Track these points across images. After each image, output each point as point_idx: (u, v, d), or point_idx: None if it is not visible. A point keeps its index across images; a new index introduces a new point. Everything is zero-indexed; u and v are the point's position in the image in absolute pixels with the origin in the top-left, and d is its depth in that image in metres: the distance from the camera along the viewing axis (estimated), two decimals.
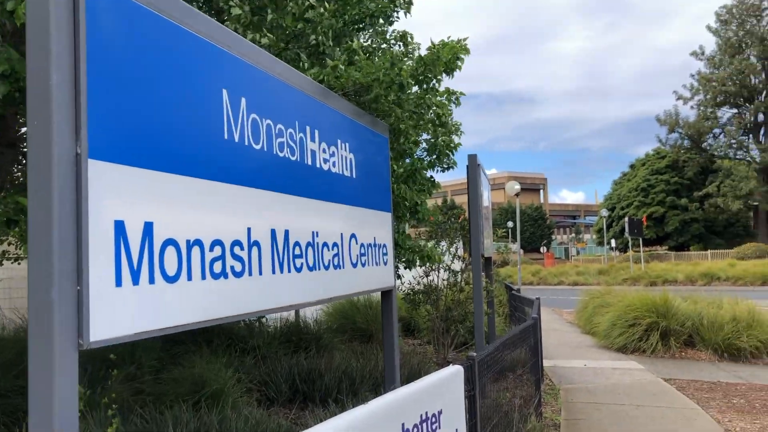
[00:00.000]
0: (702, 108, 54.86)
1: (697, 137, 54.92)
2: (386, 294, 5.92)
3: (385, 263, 5.71)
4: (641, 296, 12.81)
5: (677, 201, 54.78)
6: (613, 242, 57.34)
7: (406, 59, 7.43)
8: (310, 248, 4.11)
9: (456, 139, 10.49)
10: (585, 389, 9.03)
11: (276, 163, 3.66)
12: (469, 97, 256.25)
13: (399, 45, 8.74)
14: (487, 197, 10.32)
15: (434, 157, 8.31)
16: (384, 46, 8.72)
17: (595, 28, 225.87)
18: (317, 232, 4.24)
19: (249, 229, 3.24)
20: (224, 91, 3.12)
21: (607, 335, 12.76)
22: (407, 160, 7.69)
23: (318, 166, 4.36)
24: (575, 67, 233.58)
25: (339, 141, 4.74)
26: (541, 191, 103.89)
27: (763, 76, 52.57)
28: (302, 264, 4.00)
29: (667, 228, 54.93)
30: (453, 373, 3.89)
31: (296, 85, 4.04)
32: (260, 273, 3.32)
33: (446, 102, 8.47)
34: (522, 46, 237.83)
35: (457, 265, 10.92)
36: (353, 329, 10.74)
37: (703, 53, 55.67)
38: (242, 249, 3.15)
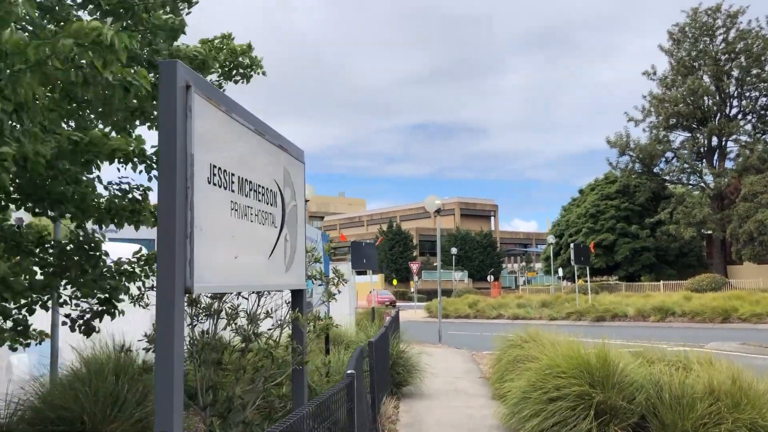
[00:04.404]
0: (654, 130, 51.67)
1: (649, 161, 51.63)
2: None
3: None
4: (569, 350, 8.39)
5: (627, 228, 51.31)
6: (560, 271, 53.67)
7: None
8: None
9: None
10: None
11: None
12: (419, 126, 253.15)
13: None
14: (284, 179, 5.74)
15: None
16: None
17: (538, 62, 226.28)
18: None
19: None
20: None
21: (517, 411, 8.27)
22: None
23: None
24: (521, 100, 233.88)
25: None
26: (492, 218, 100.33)
27: (717, 97, 49.77)
28: None
29: (617, 257, 51.36)
30: None
31: None
32: None
33: None
34: (468, 77, 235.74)
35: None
36: (57, 419, 5.95)
37: (655, 73, 52.68)
38: None
